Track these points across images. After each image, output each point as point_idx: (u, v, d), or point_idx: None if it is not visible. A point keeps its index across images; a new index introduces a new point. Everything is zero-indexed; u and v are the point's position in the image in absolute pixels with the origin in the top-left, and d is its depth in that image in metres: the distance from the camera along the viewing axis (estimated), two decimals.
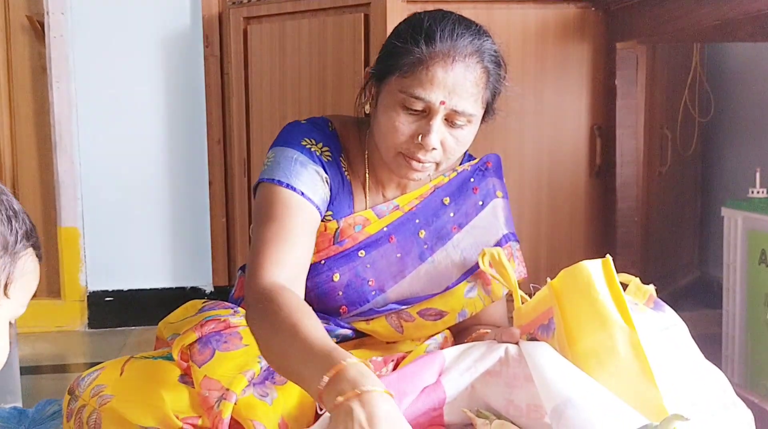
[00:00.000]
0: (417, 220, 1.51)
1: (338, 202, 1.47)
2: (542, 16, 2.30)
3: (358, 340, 1.55)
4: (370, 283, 1.48)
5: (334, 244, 1.47)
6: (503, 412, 1.21)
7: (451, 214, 1.53)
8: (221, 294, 2.88)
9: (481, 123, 1.45)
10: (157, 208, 2.94)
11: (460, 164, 1.57)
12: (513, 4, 2.29)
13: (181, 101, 2.91)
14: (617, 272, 1.19)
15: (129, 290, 2.94)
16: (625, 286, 1.25)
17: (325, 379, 1.01)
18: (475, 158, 1.60)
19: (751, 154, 2.64)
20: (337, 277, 1.47)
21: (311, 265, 1.45)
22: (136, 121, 2.90)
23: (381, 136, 1.40)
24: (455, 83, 1.33)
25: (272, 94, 2.53)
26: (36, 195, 3.02)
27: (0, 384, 2.03)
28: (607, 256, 1.18)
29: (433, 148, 1.36)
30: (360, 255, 1.48)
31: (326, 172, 1.44)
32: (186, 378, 1.34)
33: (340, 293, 1.47)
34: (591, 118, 2.34)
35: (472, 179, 1.56)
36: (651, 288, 1.30)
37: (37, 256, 0.98)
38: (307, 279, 1.44)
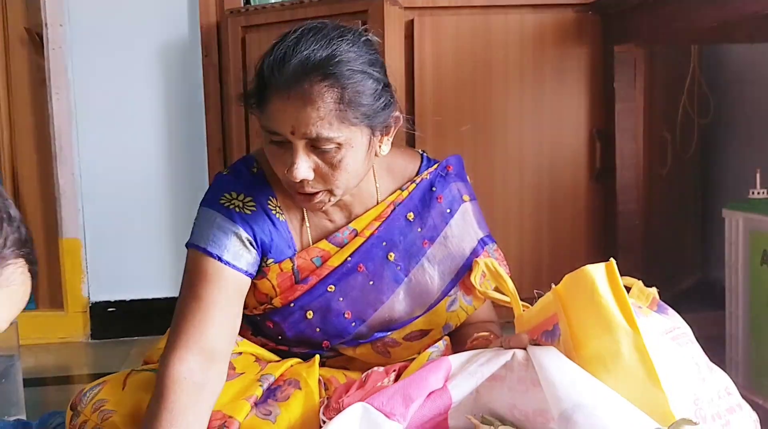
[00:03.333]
0: (383, 244, 1.44)
1: (276, 247, 1.41)
2: (540, 21, 2.30)
3: (348, 357, 1.51)
4: (346, 315, 1.43)
5: (297, 283, 1.42)
6: (508, 417, 1.21)
7: (419, 230, 1.45)
8: None
9: (380, 134, 1.34)
10: (158, 217, 2.94)
11: (418, 173, 1.49)
12: (510, 9, 2.29)
13: (181, 110, 2.92)
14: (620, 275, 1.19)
15: (131, 300, 2.94)
16: (627, 289, 1.25)
17: None
18: (435, 163, 1.52)
19: (751, 155, 2.64)
20: (310, 315, 1.43)
21: (281, 308, 1.42)
22: (135, 131, 2.90)
23: None
24: (297, 111, 1.24)
25: None
26: (37, 206, 3.02)
27: (4, 396, 2.03)
28: (611, 259, 1.18)
29: (305, 179, 1.28)
30: (329, 290, 1.42)
31: (250, 230, 1.38)
32: None
33: (318, 330, 1.44)
34: (590, 121, 2.35)
35: (433, 188, 1.48)
36: (654, 291, 1.30)
37: (30, 271, 0.94)
38: (280, 320, 1.43)
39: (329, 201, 1.35)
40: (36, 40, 2.91)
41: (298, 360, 1.47)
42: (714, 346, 1.49)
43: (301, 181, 1.29)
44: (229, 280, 1.35)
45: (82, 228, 2.89)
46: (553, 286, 1.22)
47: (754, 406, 1.27)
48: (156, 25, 2.88)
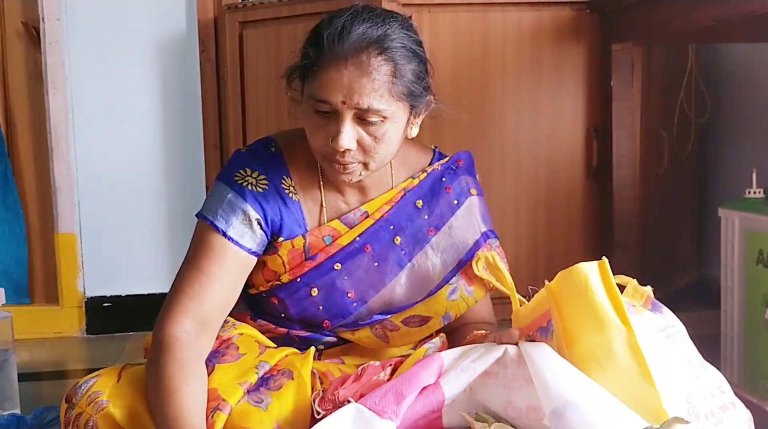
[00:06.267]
0: (391, 227, 1.48)
1: (286, 226, 1.44)
2: (537, 18, 2.30)
3: (346, 345, 1.53)
4: (349, 295, 1.46)
5: (306, 260, 1.45)
6: (502, 414, 1.21)
7: (426, 217, 1.50)
8: None
9: (414, 115, 1.40)
10: (154, 213, 2.94)
11: (430, 164, 1.54)
12: (508, 7, 2.29)
13: (178, 106, 2.92)
14: (615, 274, 1.19)
15: (127, 296, 2.94)
16: (622, 287, 1.25)
17: None
18: (446, 157, 1.56)
19: (747, 155, 2.65)
20: (315, 292, 1.45)
21: (287, 283, 1.45)
22: (132, 126, 2.90)
23: (309, 142, 1.39)
24: (351, 81, 1.29)
25: (268, 99, 2.53)
26: (33, 201, 3.02)
27: None
28: (604, 258, 1.18)
29: (348, 149, 1.33)
30: (336, 268, 1.45)
31: (260, 209, 1.41)
32: None
33: (321, 307, 1.46)
34: (587, 120, 2.35)
35: (443, 179, 1.52)
36: (649, 289, 1.30)
37: None
38: (285, 297, 1.46)
39: (360, 174, 1.39)
40: (33, 34, 2.91)
41: (294, 350, 1.47)
42: (709, 344, 1.49)
43: (342, 152, 1.33)
44: (231, 255, 1.39)
45: (78, 223, 2.89)
46: (546, 282, 1.22)
47: (748, 404, 1.27)
48: (153, 21, 2.87)
